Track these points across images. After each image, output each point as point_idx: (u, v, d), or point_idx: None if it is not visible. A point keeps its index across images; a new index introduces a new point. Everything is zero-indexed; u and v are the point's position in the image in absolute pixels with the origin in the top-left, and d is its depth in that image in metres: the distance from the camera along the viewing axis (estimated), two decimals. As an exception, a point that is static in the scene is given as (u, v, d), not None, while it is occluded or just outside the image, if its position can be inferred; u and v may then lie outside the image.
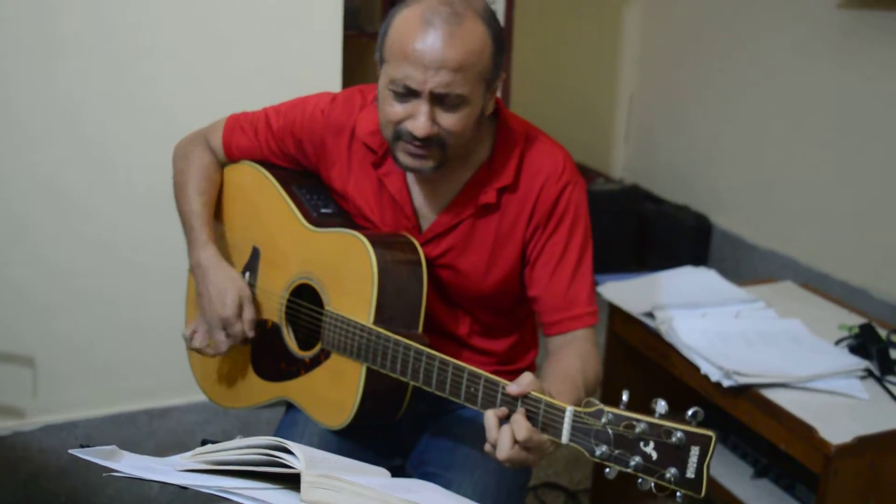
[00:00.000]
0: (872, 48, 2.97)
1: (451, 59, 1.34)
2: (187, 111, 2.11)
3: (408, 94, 1.38)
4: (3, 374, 2.25)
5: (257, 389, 1.68)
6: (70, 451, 1.09)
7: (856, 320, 2.09)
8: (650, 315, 2.08)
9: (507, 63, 3.03)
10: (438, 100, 1.38)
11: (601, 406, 1.16)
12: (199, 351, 1.65)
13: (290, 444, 1.09)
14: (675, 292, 2.17)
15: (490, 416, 1.25)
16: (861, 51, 3.01)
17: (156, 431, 2.40)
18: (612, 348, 2.28)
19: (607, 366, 2.30)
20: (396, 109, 1.40)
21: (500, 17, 2.99)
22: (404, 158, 1.44)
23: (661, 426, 1.12)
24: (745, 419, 1.84)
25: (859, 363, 1.87)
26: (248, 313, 1.60)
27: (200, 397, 2.39)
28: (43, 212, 2.18)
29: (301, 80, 2.30)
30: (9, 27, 2.05)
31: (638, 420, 1.13)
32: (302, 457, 1.08)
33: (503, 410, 1.25)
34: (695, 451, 1.11)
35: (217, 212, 1.75)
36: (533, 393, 1.23)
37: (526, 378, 1.25)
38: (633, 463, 1.13)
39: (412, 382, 1.40)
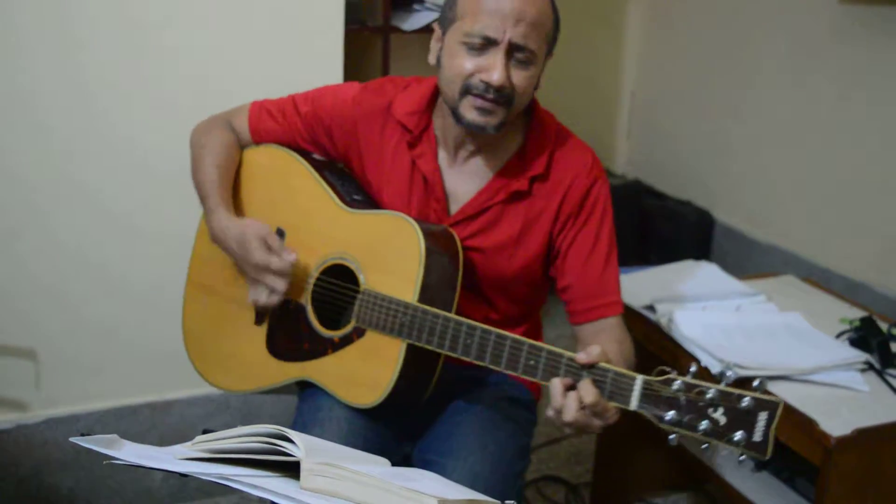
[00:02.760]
0: (873, 43, 2.96)
1: (529, 12, 1.43)
2: (191, 105, 2.11)
3: (485, 45, 1.43)
4: (6, 367, 2.25)
5: (271, 371, 1.67)
6: (72, 439, 1.10)
7: (857, 314, 2.09)
8: (651, 308, 2.08)
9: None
10: (513, 52, 1.44)
11: (672, 374, 1.22)
12: (267, 306, 1.60)
13: (290, 433, 1.10)
14: (676, 286, 2.17)
15: (556, 384, 1.30)
16: (862, 46, 3.01)
17: (158, 425, 2.41)
18: (613, 342, 2.29)
19: (608, 359, 2.31)
20: (468, 63, 1.45)
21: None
22: (470, 114, 1.47)
23: (731, 393, 1.19)
24: (746, 412, 1.85)
25: (860, 356, 1.87)
26: (275, 243, 1.56)
27: (203, 391, 2.40)
28: (47, 205, 2.19)
29: (303, 75, 2.29)
30: (22, 19, 2.05)
31: (708, 387, 1.19)
32: (302, 445, 1.08)
33: (569, 380, 1.30)
34: (762, 416, 1.17)
35: (237, 194, 1.74)
36: (601, 363, 1.28)
37: (595, 349, 1.29)
38: (701, 427, 1.19)
39: (462, 357, 1.43)
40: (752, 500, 1.95)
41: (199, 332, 1.78)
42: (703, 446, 1.21)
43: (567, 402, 1.27)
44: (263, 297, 1.59)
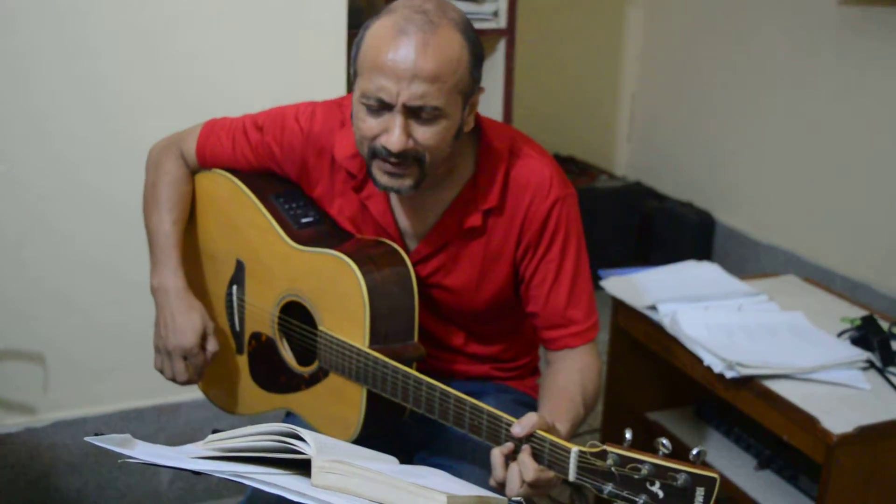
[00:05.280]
0: (873, 44, 2.98)
1: (425, 68, 1.29)
2: (196, 109, 2.13)
3: (381, 107, 1.33)
4: (14, 370, 2.27)
5: (259, 399, 1.68)
6: (86, 438, 1.12)
7: (858, 313, 2.10)
8: (653, 308, 2.09)
9: (510, 60, 3.05)
10: (413, 113, 1.32)
11: (604, 447, 1.18)
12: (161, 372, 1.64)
13: (301, 431, 1.12)
14: (678, 286, 2.18)
15: (496, 455, 1.26)
16: (862, 47, 3.03)
17: (165, 427, 2.42)
18: (616, 342, 2.30)
19: (611, 359, 2.32)
20: (370, 125, 1.35)
21: (503, 15, 3.00)
22: (381, 177, 1.39)
23: (666, 468, 1.13)
24: (748, 410, 1.86)
25: (861, 354, 1.88)
26: (212, 346, 1.59)
27: (209, 393, 2.40)
28: (54, 211, 2.20)
29: (305, 80, 2.32)
30: (27, 27, 2.07)
31: (643, 462, 1.14)
32: (313, 443, 1.10)
33: (509, 447, 1.26)
34: (700, 492, 1.12)
35: (192, 219, 1.71)
36: (538, 432, 1.24)
37: (531, 419, 1.25)
38: (640, 501, 1.15)
39: (415, 409, 1.40)
40: (755, 498, 1.96)
41: None
42: None
43: (510, 475, 1.24)
44: (168, 373, 1.62)
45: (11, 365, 2.26)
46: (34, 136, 2.15)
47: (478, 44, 1.38)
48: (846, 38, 3.08)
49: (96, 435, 1.15)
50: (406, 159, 1.35)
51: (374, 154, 1.37)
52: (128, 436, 1.17)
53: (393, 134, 1.32)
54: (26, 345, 2.26)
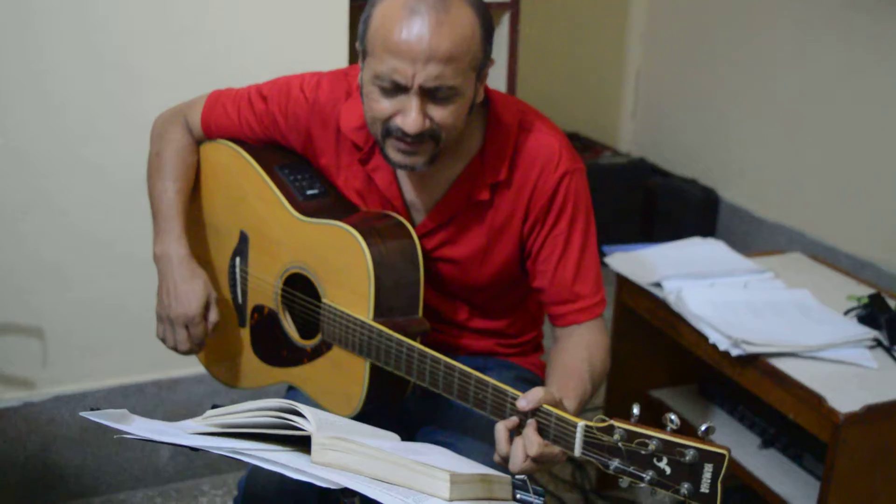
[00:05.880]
0: (880, 22, 2.94)
1: (439, 49, 1.28)
2: (198, 82, 2.10)
3: (395, 89, 1.31)
4: (12, 345, 2.26)
5: (261, 373, 1.67)
6: (82, 413, 1.10)
7: (864, 291, 2.08)
8: (658, 285, 2.08)
9: (515, 34, 3.01)
10: (429, 93, 1.32)
11: (612, 422, 1.16)
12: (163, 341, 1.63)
13: (301, 407, 1.10)
14: (684, 263, 2.16)
15: (501, 430, 1.25)
16: (869, 26, 2.99)
17: (164, 402, 2.41)
18: (621, 319, 2.29)
19: (615, 336, 2.30)
20: (384, 105, 1.34)
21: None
22: (395, 156, 1.38)
23: (673, 444, 1.12)
24: (753, 388, 1.85)
25: (868, 332, 1.86)
26: (214, 315, 1.58)
27: (209, 368, 2.39)
28: (54, 184, 2.18)
29: (306, 52, 2.28)
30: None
31: (650, 437, 1.13)
32: (313, 419, 1.08)
33: (513, 421, 1.25)
34: (708, 468, 1.10)
35: (196, 190, 1.70)
36: (544, 406, 1.23)
37: (537, 393, 1.24)
38: (647, 477, 1.14)
39: (418, 382, 1.39)
40: (759, 477, 1.95)
41: None
42: (653, 492, 1.16)
43: (514, 450, 1.23)
44: (170, 342, 1.60)
45: (10, 339, 2.25)
46: (36, 110, 2.12)
47: (488, 16, 1.36)
48: (852, 15, 3.05)
49: (96, 409, 1.13)
50: (422, 138, 1.35)
51: (389, 133, 1.36)
52: (125, 411, 1.15)
53: (409, 116, 1.32)
54: (25, 319, 2.24)
